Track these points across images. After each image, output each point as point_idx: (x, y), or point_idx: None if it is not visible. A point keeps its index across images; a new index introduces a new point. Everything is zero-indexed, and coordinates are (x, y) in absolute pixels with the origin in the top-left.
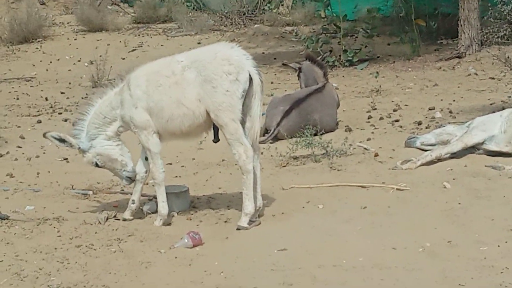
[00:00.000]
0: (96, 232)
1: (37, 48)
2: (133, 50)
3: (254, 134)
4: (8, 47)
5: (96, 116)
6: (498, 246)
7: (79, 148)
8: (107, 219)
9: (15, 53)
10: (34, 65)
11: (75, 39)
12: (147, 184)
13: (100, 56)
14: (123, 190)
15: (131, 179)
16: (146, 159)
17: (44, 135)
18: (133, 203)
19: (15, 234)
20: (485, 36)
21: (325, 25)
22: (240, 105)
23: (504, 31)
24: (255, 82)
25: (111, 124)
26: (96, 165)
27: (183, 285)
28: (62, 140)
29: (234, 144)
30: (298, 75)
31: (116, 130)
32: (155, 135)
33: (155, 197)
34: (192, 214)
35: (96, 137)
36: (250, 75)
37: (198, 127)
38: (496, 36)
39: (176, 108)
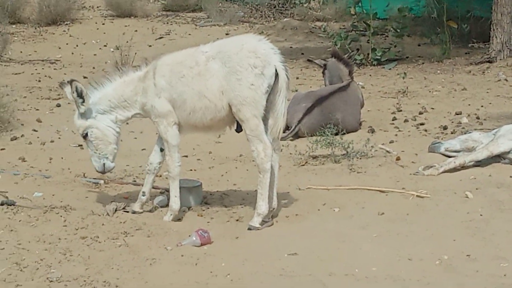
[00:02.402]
0: (103, 224)
1: (64, 31)
2: (160, 38)
3: (277, 132)
4: (35, 29)
5: (116, 96)
6: None
7: (81, 111)
8: (115, 210)
9: (42, 35)
10: (60, 48)
11: (103, 24)
12: (160, 176)
13: (127, 42)
14: (135, 181)
15: (103, 172)
16: (161, 150)
17: (70, 82)
18: (143, 195)
19: (20, 221)
20: None
21: (354, 22)
22: (264, 101)
23: None
24: (281, 78)
25: (127, 109)
26: (84, 136)
27: (187, 286)
28: (80, 94)
29: (254, 141)
30: (323, 72)
31: (129, 117)
32: (175, 127)
33: (167, 190)
34: (203, 210)
35: (105, 114)
36: (276, 70)
37: (220, 121)
38: None
39: (198, 100)
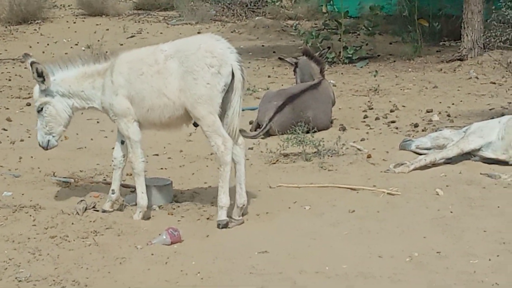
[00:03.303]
0: (72, 223)
1: (35, 30)
2: (131, 36)
3: (233, 130)
4: (6, 27)
5: (77, 85)
6: (489, 259)
7: (42, 88)
8: (85, 209)
9: (12, 34)
10: (30, 47)
11: (74, 23)
12: (130, 175)
13: (98, 40)
14: (105, 180)
15: (46, 148)
16: (123, 142)
17: (30, 63)
18: (112, 193)
19: None
20: (488, 40)
21: (326, 20)
22: (219, 99)
23: (507, 36)
24: (237, 78)
25: (85, 100)
26: (39, 110)
27: (157, 284)
28: (40, 74)
29: (212, 136)
30: (294, 70)
31: (86, 108)
32: (136, 123)
33: None
34: (174, 209)
35: (64, 97)
36: (232, 69)
37: (178, 119)
38: (498, 40)
39: (157, 98)
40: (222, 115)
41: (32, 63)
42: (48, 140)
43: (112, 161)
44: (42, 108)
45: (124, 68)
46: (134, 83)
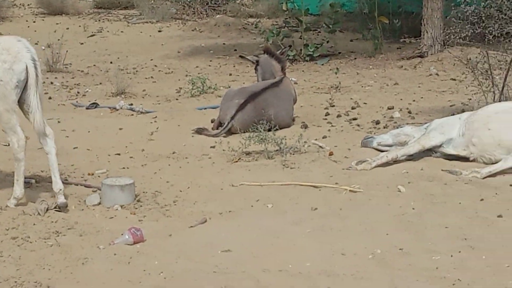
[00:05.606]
0: (34, 224)
1: None
2: (92, 35)
3: (38, 124)
4: None
5: None
6: (451, 256)
7: None
8: (47, 210)
9: None
10: None
11: (34, 22)
12: (92, 174)
13: (58, 39)
14: (66, 179)
15: None
16: None
17: None
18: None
19: None
20: (448, 37)
21: (287, 18)
22: (13, 96)
23: (467, 32)
24: (30, 75)
25: None
26: None
27: (120, 285)
28: None
29: (8, 133)
30: (256, 68)
31: None
32: None
33: (99, 189)
34: (136, 208)
35: None
36: (27, 67)
37: None
38: (458, 37)
39: None
40: (27, 112)
41: None
42: None
43: None
44: None
45: None
46: None
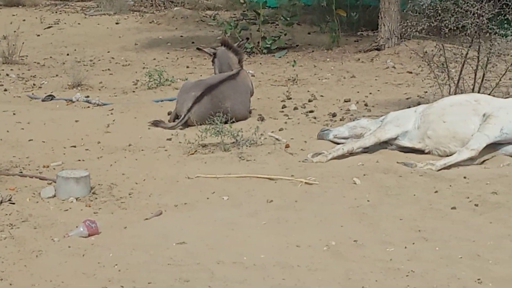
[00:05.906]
0: None
1: None
2: (49, 27)
3: None
4: None
5: None
6: (405, 247)
7: None
8: (1, 202)
9: None
10: None
11: None
12: (48, 167)
13: (14, 31)
14: (21, 172)
15: None
16: None
17: None
18: None
19: None
20: (405, 30)
21: (244, 11)
22: None
23: (423, 25)
24: None
25: None
26: None
27: (74, 277)
28: None
29: None
30: (213, 61)
31: None
32: None
33: (54, 182)
34: (91, 201)
35: None
36: None
37: None
38: (415, 30)
39: None
40: None
41: None
42: None
43: None
44: None
45: None
46: None
